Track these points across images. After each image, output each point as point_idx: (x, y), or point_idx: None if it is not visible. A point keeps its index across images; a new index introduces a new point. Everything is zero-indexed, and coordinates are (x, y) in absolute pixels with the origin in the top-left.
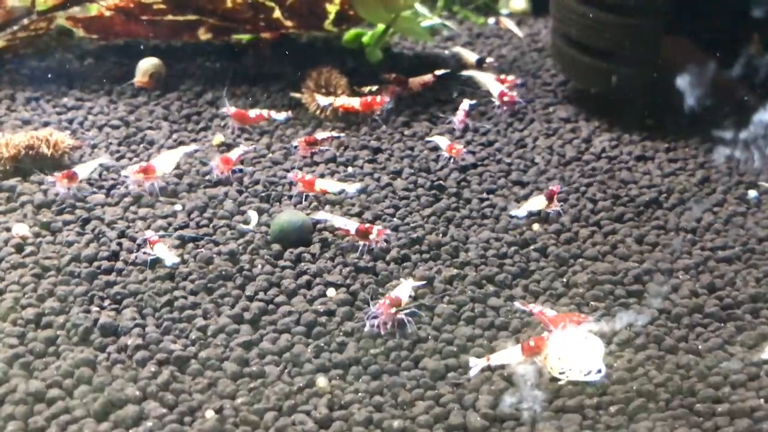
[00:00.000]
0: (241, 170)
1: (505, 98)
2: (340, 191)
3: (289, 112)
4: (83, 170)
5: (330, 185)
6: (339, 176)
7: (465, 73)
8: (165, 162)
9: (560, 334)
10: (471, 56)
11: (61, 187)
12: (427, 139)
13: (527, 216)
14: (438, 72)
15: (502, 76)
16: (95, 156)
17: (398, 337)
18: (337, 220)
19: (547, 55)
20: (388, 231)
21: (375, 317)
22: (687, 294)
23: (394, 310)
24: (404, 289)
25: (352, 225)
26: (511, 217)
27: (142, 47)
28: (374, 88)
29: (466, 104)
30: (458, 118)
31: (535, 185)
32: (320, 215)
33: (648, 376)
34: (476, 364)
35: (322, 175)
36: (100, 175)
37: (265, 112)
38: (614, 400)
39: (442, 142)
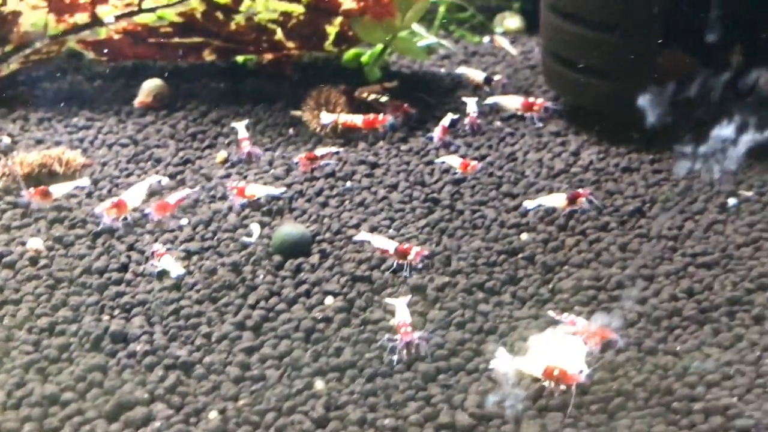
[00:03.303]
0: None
1: (535, 107)
2: (267, 195)
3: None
4: (58, 189)
5: (258, 190)
6: (337, 189)
7: (491, 99)
8: (135, 194)
9: (543, 337)
10: (478, 75)
11: (35, 203)
12: (437, 160)
13: (536, 209)
14: (387, 84)
15: (531, 99)
16: (104, 174)
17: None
18: (377, 241)
19: (539, 72)
20: (426, 252)
21: (397, 347)
22: (667, 298)
23: (414, 333)
24: (402, 309)
25: (391, 245)
26: (524, 208)
27: (149, 69)
28: (384, 98)
29: (447, 119)
30: (437, 133)
31: (525, 197)
32: (360, 236)
33: (627, 376)
34: (500, 359)
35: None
36: (109, 191)
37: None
38: (595, 399)
39: (454, 161)
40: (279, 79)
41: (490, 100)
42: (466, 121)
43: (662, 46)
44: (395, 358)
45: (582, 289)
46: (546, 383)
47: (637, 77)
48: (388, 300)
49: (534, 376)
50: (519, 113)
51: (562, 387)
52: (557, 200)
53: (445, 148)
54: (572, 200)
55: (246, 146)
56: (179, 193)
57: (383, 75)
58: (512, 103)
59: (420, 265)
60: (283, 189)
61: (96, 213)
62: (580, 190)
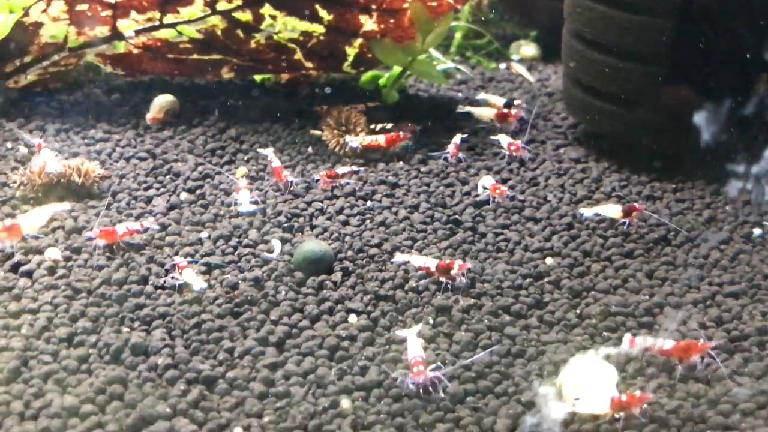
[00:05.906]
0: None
1: (512, 147)
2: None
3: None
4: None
5: (243, 196)
6: (358, 208)
7: (464, 109)
8: (34, 219)
9: (575, 362)
10: (498, 101)
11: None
12: (482, 178)
13: (594, 216)
14: (371, 104)
15: (506, 110)
16: (123, 186)
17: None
18: (416, 260)
19: (557, 99)
20: (469, 265)
21: (414, 383)
22: (696, 326)
23: (428, 370)
24: (414, 344)
25: (432, 262)
26: (579, 216)
27: (166, 84)
28: (389, 125)
29: (458, 138)
30: (450, 151)
31: (548, 221)
32: (398, 257)
33: (660, 403)
34: (560, 409)
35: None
36: (128, 203)
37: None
38: (627, 425)
39: (488, 181)
40: (295, 98)
41: (463, 110)
42: (509, 151)
43: (684, 74)
44: (411, 389)
45: (610, 314)
46: (616, 415)
47: (659, 105)
48: (398, 332)
49: (598, 413)
50: (493, 123)
51: (639, 408)
52: (613, 211)
53: (465, 171)
54: (627, 212)
55: (286, 174)
56: (133, 224)
57: (400, 98)
58: (486, 113)
59: (463, 280)
60: (259, 207)
61: None
62: (636, 204)
